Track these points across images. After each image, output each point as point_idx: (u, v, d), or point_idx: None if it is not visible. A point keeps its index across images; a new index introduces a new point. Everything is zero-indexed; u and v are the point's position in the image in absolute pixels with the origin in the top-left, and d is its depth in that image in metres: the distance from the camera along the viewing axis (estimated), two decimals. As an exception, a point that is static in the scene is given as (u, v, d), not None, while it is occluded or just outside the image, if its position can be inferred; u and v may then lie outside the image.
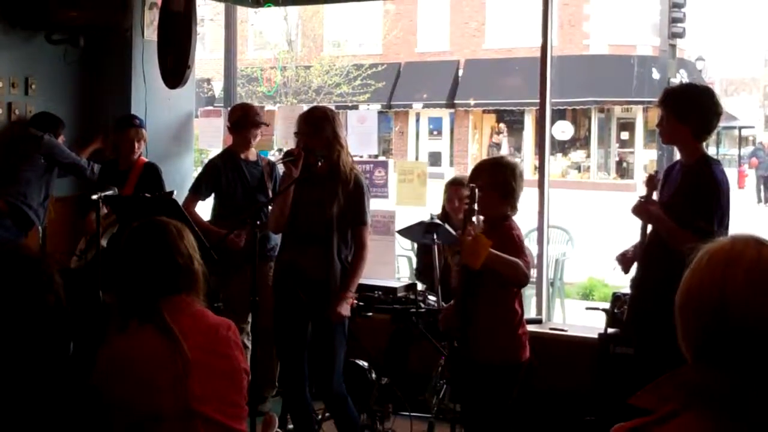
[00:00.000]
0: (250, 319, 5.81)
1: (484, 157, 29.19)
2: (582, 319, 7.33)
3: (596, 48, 29.69)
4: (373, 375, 5.61)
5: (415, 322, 5.45)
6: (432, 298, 5.71)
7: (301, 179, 4.76)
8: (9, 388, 2.49)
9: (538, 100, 6.67)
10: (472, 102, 30.81)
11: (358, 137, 7.23)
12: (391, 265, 7.09)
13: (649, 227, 4.45)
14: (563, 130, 29.94)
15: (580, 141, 31.90)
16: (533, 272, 6.34)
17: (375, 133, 7.52)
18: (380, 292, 5.73)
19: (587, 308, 6.47)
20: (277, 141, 7.65)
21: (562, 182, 26.91)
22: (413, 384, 5.75)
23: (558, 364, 5.77)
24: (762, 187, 25.85)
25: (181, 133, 7.65)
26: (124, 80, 7.18)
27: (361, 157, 7.61)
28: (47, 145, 6.48)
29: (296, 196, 4.84)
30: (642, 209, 4.35)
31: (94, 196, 5.56)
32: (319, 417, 5.28)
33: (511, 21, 29.22)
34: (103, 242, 5.81)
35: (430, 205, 6.78)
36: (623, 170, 31.33)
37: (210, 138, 8.01)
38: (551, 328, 6.29)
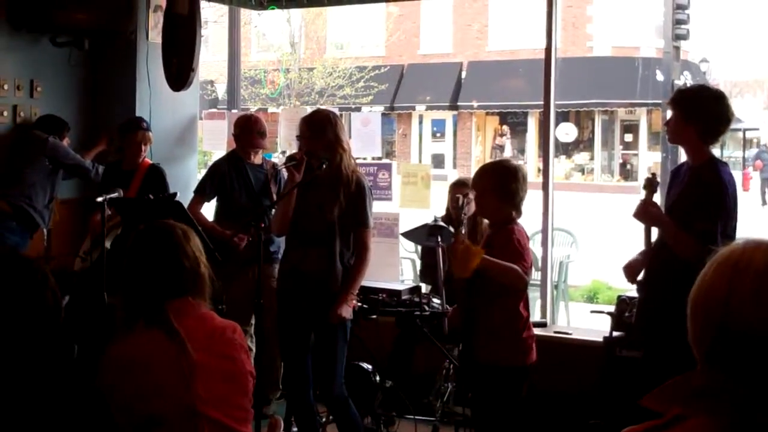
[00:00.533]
0: (253, 321, 5.82)
1: (488, 159, 29.30)
2: (587, 322, 7.33)
3: (600, 50, 29.68)
4: (377, 378, 5.60)
5: (420, 325, 5.45)
6: (436, 300, 5.70)
7: (303, 183, 4.76)
8: (11, 389, 2.49)
9: (541, 102, 6.67)
10: (475, 104, 30.81)
11: (362, 139, 7.23)
12: (395, 267, 7.09)
13: (654, 230, 4.44)
14: (567, 132, 29.93)
15: (583, 143, 31.89)
16: (537, 275, 6.37)
17: (378, 135, 7.52)
18: (384, 295, 5.73)
19: (592, 311, 6.47)
20: (281, 143, 7.65)
21: (566, 184, 26.90)
22: (417, 387, 5.74)
23: (563, 367, 5.77)
24: (766, 189, 25.83)
25: (185, 136, 7.65)
26: (129, 83, 7.19)
27: (365, 159, 7.61)
28: (52, 147, 6.49)
29: (299, 199, 4.85)
30: (643, 213, 4.34)
31: (99, 198, 5.57)
32: (323, 420, 5.28)
33: (514, 23, 29.23)
34: (108, 244, 5.81)
35: (434, 207, 6.78)
36: (627, 172, 31.31)
37: (214, 140, 8.02)
38: (556, 332, 6.28)
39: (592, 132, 31.63)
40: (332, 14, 30.73)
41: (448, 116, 32.54)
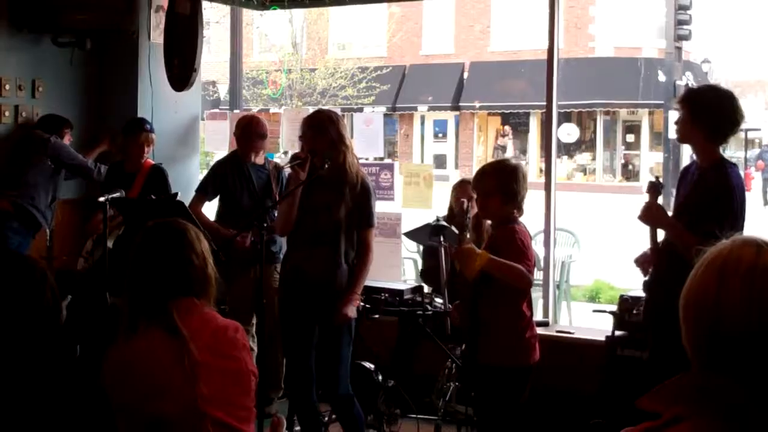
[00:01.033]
0: (254, 321, 5.82)
1: (490, 159, 29.27)
2: (589, 322, 7.33)
3: (602, 50, 29.66)
4: (380, 377, 5.60)
5: (422, 325, 5.45)
6: (438, 300, 5.71)
7: (307, 182, 4.76)
8: (11, 386, 2.49)
9: (543, 103, 6.68)
10: (477, 104, 30.80)
11: (364, 140, 7.23)
12: (397, 267, 7.09)
13: (660, 230, 4.43)
14: (569, 132, 29.91)
15: (585, 143, 31.87)
16: (539, 275, 6.36)
17: (380, 135, 7.52)
18: (387, 295, 5.73)
19: (594, 311, 6.47)
20: (283, 143, 7.66)
21: (568, 185, 26.89)
22: (420, 386, 5.75)
23: (565, 366, 5.77)
24: (767, 189, 25.80)
25: (187, 136, 7.66)
26: (131, 83, 7.19)
27: (367, 159, 7.62)
28: (54, 147, 6.49)
29: (303, 198, 4.84)
30: (648, 215, 4.33)
31: (101, 198, 5.57)
32: (326, 419, 5.28)
33: (516, 23, 29.22)
34: (109, 244, 5.81)
35: (436, 207, 6.78)
36: (629, 173, 31.29)
37: (216, 140, 8.03)
38: (558, 331, 6.28)
39: (594, 132, 31.60)
40: (334, 15, 30.73)
41: (450, 117, 32.54)
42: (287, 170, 4.97)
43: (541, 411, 5.36)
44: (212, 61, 24.43)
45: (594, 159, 31.64)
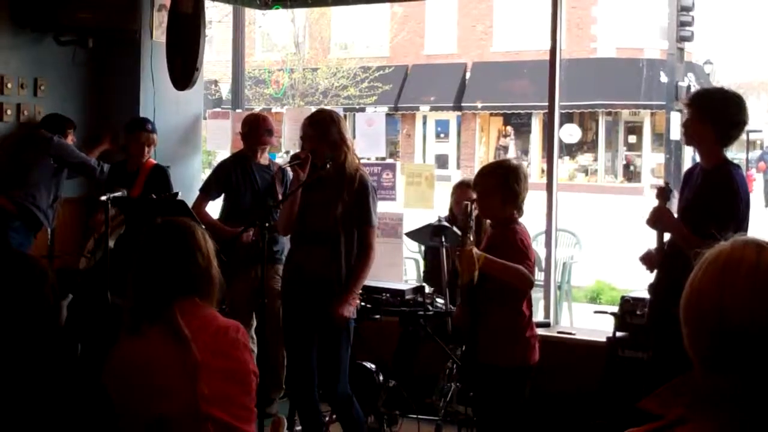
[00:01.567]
0: (254, 323, 5.82)
1: (491, 159, 29.26)
2: (590, 323, 7.32)
3: (604, 51, 29.64)
4: (381, 377, 5.60)
5: (423, 325, 5.45)
6: (440, 300, 5.70)
7: (308, 182, 4.76)
8: (11, 386, 2.49)
9: (545, 103, 6.68)
10: (479, 105, 30.79)
11: (366, 140, 7.23)
12: (399, 267, 7.09)
13: (667, 233, 4.43)
14: (571, 133, 29.89)
15: (587, 144, 31.85)
16: (541, 275, 6.36)
17: (382, 135, 7.52)
18: (388, 295, 5.73)
19: (595, 312, 6.47)
20: (285, 143, 7.66)
21: (570, 185, 26.87)
22: (421, 386, 5.75)
23: (566, 367, 5.76)
24: (770, 191, 25.79)
25: (189, 135, 7.66)
26: (133, 82, 7.19)
27: (369, 159, 7.61)
28: (57, 146, 6.49)
29: (304, 198, 4.85)
30: (656, 219, 4.32)
31: (103, 198, 5.57)
32: (326, 419, 5.28)
33: (518, 24, 29.20)
34: (111, 243, 5.81)
35: (438, 207, 6.78)
36: (630, 174, 31.27)
37: (218, 140, 8.03)
38: (559, 332, 6.28)
39: (596, 133, 31.58)
40: (336, 14, 30.73)
41: (452, 117, 32.52)
42: (289, 170, 4.97)
43: (541, 412, 5.35)
44: (214, 60, 24.41)
45: (596, 160, 31.62)
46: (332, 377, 4.84)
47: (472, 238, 4.20)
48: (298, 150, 5.09)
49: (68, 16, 6.72)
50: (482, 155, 31.95)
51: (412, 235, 6.20)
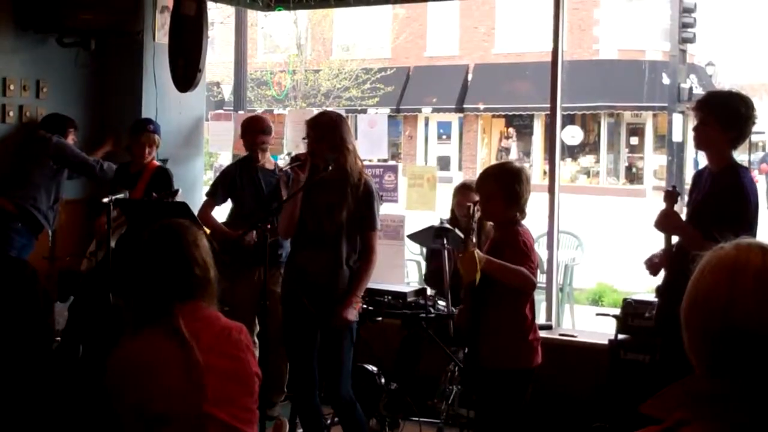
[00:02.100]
0: (257, 327, 5.81)
1: (493, 161, 29.25)
2: (592, 325, 7.32)
3: (606, 53, 29.64)
4: (383, 380, 5.60)
5: (425, 327, 5.45)
6: (441, 303, 5.70)
7: (310, 184, 4.76)
8: (7, 388, 2.50)
9: (547, 105, 6.67)
10: (481, 106, 30.78)
11: (368, 141, 7.23)
12: (401, 269, 7.08)
13: (674, 237, 4.41)
14: (573, 135, 29.90)
15: (589, 146, 31.84)
16: (542, 278, 6.36)
17: (385, 137, 7.51)
18: (390, 297, 5.73)
19: (597, 314, 6.46)
20: (287, 145, 7.65)
21: (572, 187, 26.87)
22: (422, 389, 5.74)
23: (568, 370, 5.76)
24: (772, 192, 25.77)
25: (192, 137, 7.66)
26: (135, 83, 7.19)
27: (371, 161, 7.61)
28: (56, 146, 6.49)
29: (305, 200, 4.84)
30: (664, 223, 4.31)
31: (105, 200, 5.57)
32: (328, 422, 5.27)
33: (520, 25, 29.21)
34: (112, 243, 5.81)
35: (440, 209, 6.77)
36: (633, 175, 31.26)
37: (220, 141, 8.03)
38: (561, 334, 6.28)
39: (598, 135, 31.57)
40: (339, 16, 30.74)
41: (454, 118, 32.52)
42: (283, 162, 4.96)
43: (543, 414, 5.36)
44: (217, 61, 24.41)
45: (598, 161, 31.61)
46: (334, 380, 4.83)
47: (474, 240, 4.20)
48: (300, 152, 5.09)
49: (71, 18, 6.72)
50: (484, 157, 31.95)
51: (414, 237, 6.20)
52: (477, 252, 4.13)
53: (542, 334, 4.59)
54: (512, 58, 29.55)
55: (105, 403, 2.74)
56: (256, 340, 5.71)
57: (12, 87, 6.72)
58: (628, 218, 19.54)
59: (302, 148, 5.12)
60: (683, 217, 4.44)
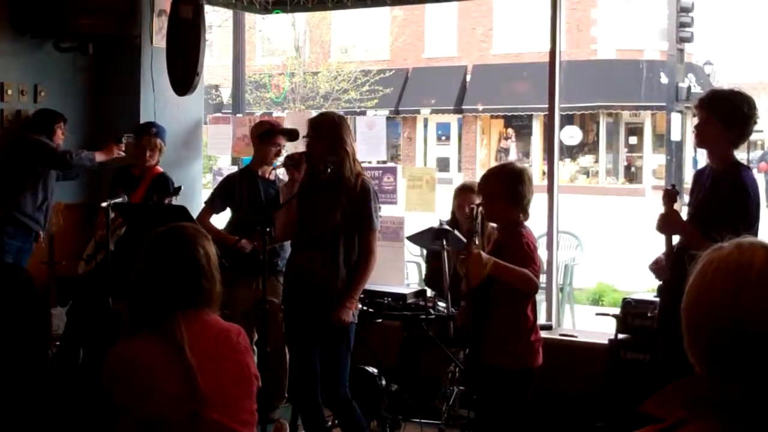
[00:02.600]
0: (255, 336, 5.79)
1: (493, 162, 29.26)
2: (592, 325, 7.31)
3: (604, 53, 29.66)
4: (383, 381, 5.60)
5: (425, 329, 5.45)
6: (441, 304, 5.70)
7: (307, 185, 4.76)
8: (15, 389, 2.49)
9: (545, 105, 6.67)
10: (480, 107, 30.80)
11: (367, 143, 7.23)
12: (401, 271, 7.08)
13: (675, 236, 4.41)
14: (571, 135, 29.91)
15: (588, 146, 31.86)
16: (543, 278, 6.35)
17: (383, 139, 7.51)
18: (390, 299, 5.73)
19: (597, 314, 6.46)
20: (286, 148, 7.64)
21: (571, 187, 26.88)
22: (423, 390, 5.74)
23: (568, 370, 5.76)
24: (771, 191, 25.78)
25: (190, 140, 7.66)
26: (133, 87, 7.19)
27: (370, 163, 7.61)
28: (31, 146, 6.40)
29: (303, 202, 4.84)
30: (665, 224, 4.31)
31: (104, 204, 5.56)
32: (328, 424, 5.27)
33: (518, 26, 29.22)
34: (111, 245, 5.80)
35: (439, 210, 6.77)
36: (632, 175, 31.28)
37: (218, 145, 8.02)
38: (561, 334, 6.27)
39: (597, 135, 31.59)
40: (337, 18, 30.74)
41: (453, 119, 32.53)
42: (282, 171, 4.94)
43: (544, 414, 5.35)
44: (215, 64, 24.42)
45: (597, 161, 31.63)
46: (332, 381, 4.83)
47: (477, 242, 4.19)
48: (296, 152, 5.09)
49: (68, 23, 6.73)
50: (483, 158, 31.97)
51: (413, 238, 6.19)
52: (483, 254, 4.13)
53: (542, 334, 4.59)
54: (510, 58, 29.56)
55: (104, 408, 2.73)
56: (255, 348, 5.70)
57: (10, 92, 6.72)
58: (628, 218, 19.54)
59: (302, 149, 5.11)
60: (684, 216, 4.43)
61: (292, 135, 5.95)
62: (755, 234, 4.15)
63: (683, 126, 23.26)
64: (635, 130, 31.30)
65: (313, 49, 31.58)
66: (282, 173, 5.92)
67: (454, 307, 5.32)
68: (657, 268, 4.56)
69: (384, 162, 8.38)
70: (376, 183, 6.84)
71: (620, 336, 5.56)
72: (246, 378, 2.96)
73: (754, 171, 28.72)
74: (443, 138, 33.15)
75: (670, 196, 4.33)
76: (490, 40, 31.53)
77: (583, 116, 30.48)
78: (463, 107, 31.15)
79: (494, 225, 4.57)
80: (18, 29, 6.75)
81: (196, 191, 7.68)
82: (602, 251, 13.09)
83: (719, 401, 1.57)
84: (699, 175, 4.57)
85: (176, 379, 2.79)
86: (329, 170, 4.73)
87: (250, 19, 12.39)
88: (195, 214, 5.89)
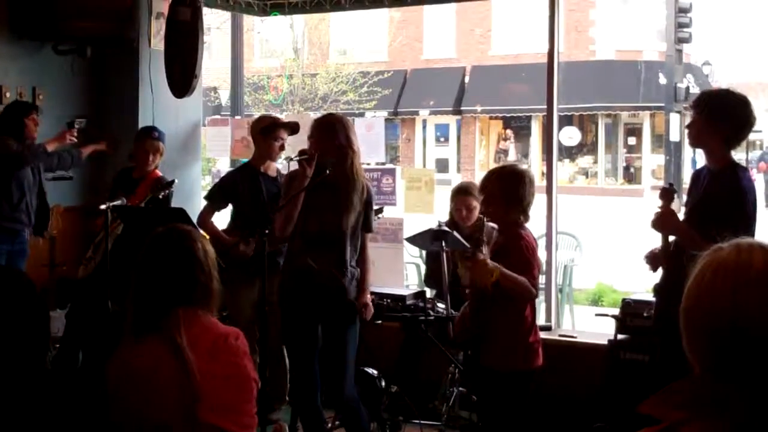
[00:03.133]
0: (256, 335, 5.78)
1: (491, 163, 29.28)
2: (591, 326, 7.32)
3: (603, 53, 29.67)
4: (383, 383, 5.60)
5: (425, 330, 5.44)
6: (441, 305, 5.69)
7: (312, 185, 4.74)
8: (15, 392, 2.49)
9: (544, 106, 6.68)
10: (478, 108, 30.80)
11: (366, 145, 7.21)
12: (400, 272, 7.08)
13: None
14: (570, 135, 29.92)
15: (587, 147, 31.87)
16: (542, 279, 6.36)
17: (382, 140, 7.52)
18: (389, 300, 5.72)
19: (597, 315, 6.46)
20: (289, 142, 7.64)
21: (570, 188, 26.89)
22: (423, 392, 5.74)
23: (568, 370, 5.75)
24: (770, 191, 25.79)
25: (189, 142, 7.66)
26: (132, 90, 7.20)
27: (369, 164, 7.61)
28: None
29: (306, 201, 4.83)
30: (661, 223, 4.30)
31: (102, 206, 5.56)
32: (329, 425, 5.27)
33: (517, 27, 29.23)
34: (109, 247, 5.80)
35: (438, 212, 6.77)
36: (631, 176, 31.28)
37: (217, 147, 8.03)
38: (561, 335, 6.28)
39: (596, 135, 31.61)
40: (335, 20, 30.73)
41: (451, 121, 32.53)
42: (294, 165, 4.91)
43: (543, 415, 5.35)
44: (213, 66, 24.44)
45: (596, 162, 31.64)
46: (339, 380, 4.81)
47: (485, 251, 4.19)
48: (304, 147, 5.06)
49: (67, 26, 6.73)
50: (482, 159, 31.97)
51: (412, 240, 6.19)
52: (489, 262, 4.13)
53: (542, 335, 4.59)
54: (509, 59, 29.55)
55: (104, 411, 2.73)
56: (257, 348, 5.70)
57: (8, 94, 6.72)
58: (627, 218, 19.53)
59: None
60: (681, 216, 4.43)
61: (293, 128, 5.97)
62: (752, 235, 4.15)
63: (682, 126, 23.23)
64: (634, 130, 31.31)
65: (312, 51, 31.57)
66: (282, 168, 5.92)
67: (454, 308, 5.31)
68: (652, 258, 4.55)
69: (383, 163, 8.39)
70: (375, 184, 6.84)
71: (619, 337, 5.56)
72: (245, 381, 2.96)
73: (754, 171, 28.78)
74: (442, 139, 33.15)
75: (667, 194, 4.32)
76: (488, 42, 31.54)
77: (581, 117, 30.49)
78: (462, 108, 31.16)
79: (495, 226, 4.56)
80: (16, 32, 6.75)
81: (195, 193, 7.69)
82: (601, 252, 13.09)
83: (718, 402, 1.57)
84: (696, 175, 4.57)
85: (176, 383, 2.79)
86: (328, 171, 4.72)
87: (249, 21, 12.41)
88: (194, 216, 5.88)
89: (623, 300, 5.71)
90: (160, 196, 5.95)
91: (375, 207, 5.12)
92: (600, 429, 5.38)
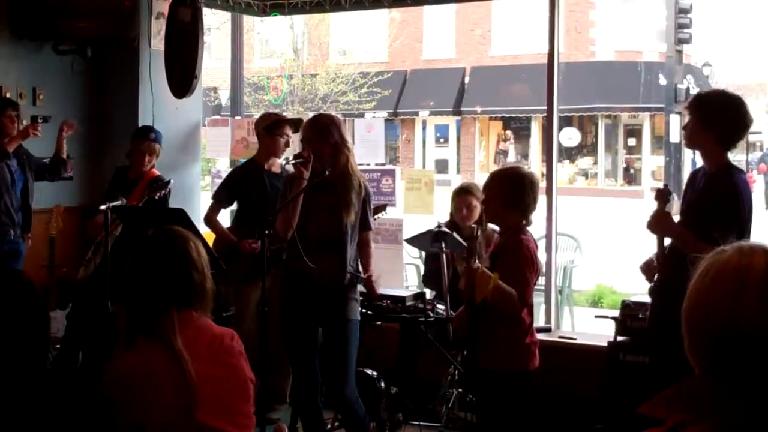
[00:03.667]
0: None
1: (491, 164, 29.30)
2: (591, 327, 7.31)
3: (602, 54, 29.68)
4: (382, 384, 5.59)
5: (424, 331, 5.44)
6: (440, 306, 5.69)
7: (311, 186, 4.74)
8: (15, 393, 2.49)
9: (544, 107, 6.68)
10: (478, 109, 30.80)
11: (365, 145, 7.23)
12: (399, 273, 7.08)
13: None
14: (570, 136, 29.93)
15: (587, 148, 31.88)
16: (542, 280, 6.36)
17: (382, 141, 7.52)
18: (389, 301, 5.72)
19: (596, 316, 6.46)
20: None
21: (570, 189, 26.88)
22: (422, 393, 5.74)
23: (567, 372, 5.75)
24: (770, 192, 25.79)
25: (189, 143, 7.65)
26: (132, 90, 7.19)
27: (368, 165, 7.61)
28: None
29: (305, 202, 4.82)
30: (656, 224, 4.30)
31: (102, 207, 5.56)
32: (329, 426, 5.26)
33: (516, 28, 29.23)
34: (109, 247, 5.79)
35: (438, 213, 6.77)
36: (631, 177, 31.29)
37: (217, 147, 8.03)
38: (560, 337, 6.27)
39: (596, 136, 31.62)
40: (335, 20, 30.75)
41: (451, 121, 32.53)
42: (290, 168, 4.93)
43: (543, 416, 5.35)
44: (213, 67, 24.45)
45: (595, 163, 31.65)
46: (340, 379, 4.81)
47: (479, 263, 4.18)
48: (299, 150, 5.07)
49: (66, 26, 6.72)
50: (482, 159, 31.98)
51: (412, 241, 6.19)
52: (486, 271, 4.12)
53: (541, 336, 4.59)
54: (509, 60, 29.56)
55: (104, 412, 2.73)
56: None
57: (8, 95, 6.71)
58: (627, 219, 19.52)
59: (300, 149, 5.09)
60: (676, 217, 4.43)
61: (297, 124, 5.97)
62: (747, 236, 4.15)
63: (682, 127, 23.24)
64: (634, 131, 31.33)
65: (312, 52, 31.59)
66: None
67: (453, 309, 5.31)
68: (646, 269, 4.56)
69: (382, 164, 8.38)
70: (374, 185, 6.84)
71: (619, 338, 5.56)
72: (242, 382, 2.96)
73: (754, 173, 28.77)
74: (442, 140, 33.15)
75: (663, 195, 4.32)
76: (488, 42, 31.54)
77: (581, 118, 30.51)
78: (462, 109, 31.16)
79: (495, 227, 4.56)
80: (16, 32, 6.75)
81: (195, 194, 7.68)
82: (601, 253, 13.09)
83: (719, 404, 1.57)
84: (693, 176, 4.57)
85: (173, 386, 2.78)
86: (326, 172, 4.72)
87: (249, 21, 12.41)
88: (194, 217, 5.88)
89: (623, 301, 5.71)
90: (157, 197, 5.94)
91: (378, 205, 5.14)
92: (600, 431, 5.38)
